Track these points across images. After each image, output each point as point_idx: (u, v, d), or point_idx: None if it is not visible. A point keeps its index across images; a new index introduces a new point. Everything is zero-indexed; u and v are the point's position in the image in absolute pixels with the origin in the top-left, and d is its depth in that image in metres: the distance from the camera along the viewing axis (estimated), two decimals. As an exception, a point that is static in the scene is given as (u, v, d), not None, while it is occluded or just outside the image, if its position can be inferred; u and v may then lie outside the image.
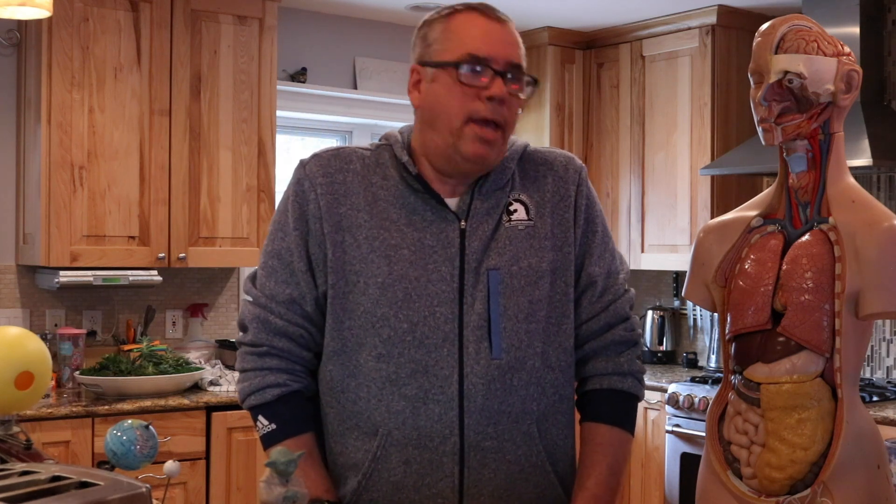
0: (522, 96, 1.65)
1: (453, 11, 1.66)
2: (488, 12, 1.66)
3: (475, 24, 1.64)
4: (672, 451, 4.20)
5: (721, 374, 1.91)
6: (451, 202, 1.67)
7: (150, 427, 1.67)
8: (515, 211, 1.68)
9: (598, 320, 1.73)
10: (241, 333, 1.75)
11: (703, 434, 1.73)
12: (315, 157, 1.72)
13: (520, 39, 1.68)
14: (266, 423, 1.68)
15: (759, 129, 1.63)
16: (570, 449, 1.75)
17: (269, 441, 1.68)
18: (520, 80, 1.65)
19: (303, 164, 1.72)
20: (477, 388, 1.61)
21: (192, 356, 4.13)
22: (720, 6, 4.51)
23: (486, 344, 1.61)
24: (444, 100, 1.62)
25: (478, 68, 1.60)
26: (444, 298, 1.61)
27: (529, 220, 1.68)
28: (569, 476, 1.73)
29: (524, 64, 1.67)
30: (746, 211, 1.73)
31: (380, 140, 1.76)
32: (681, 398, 4.16)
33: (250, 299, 1.73)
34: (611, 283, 1.74)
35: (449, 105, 1.61)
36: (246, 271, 4.55)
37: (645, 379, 1.81)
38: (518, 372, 1.63)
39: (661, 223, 4.78)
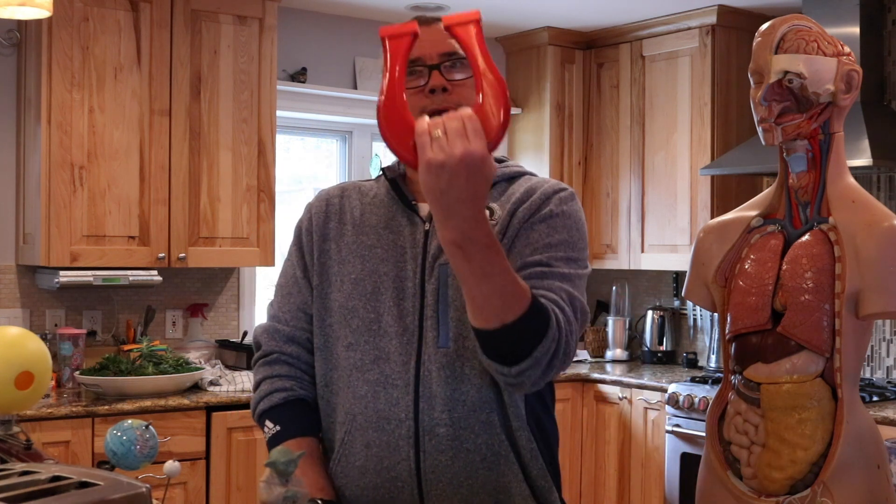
0: (468, 75, 1.67)
1: None
2: (420, 20, 1.69)
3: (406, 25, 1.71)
4: (672, 451, 4.20)
5: (721, 374, 1.91)
6: (424, 207, 1.75)
7: (150, 427, 1.67)
8: None
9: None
10: (255, 353, 1.86)
11: (703, 434, 1.73)
12: (320, 191, 1.90)
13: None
14: (272, 426, 1.76)
15: (759, 129, 1.63)
16: (526, 442, 1.70)
17: (274, 443, 1.74)
18: (462, 65, 1.69)
19: (310, 203, 1.88)
20: (431, 374, 1.67)
21: (192, 356, 4.13)
22: (720, 6, 4.51)
23: (436, 333, 1.68)
24: None
25: (413, 72, 1.69)
26: (408, 293, 1.70)
27: (493, 221, 1.70)
28: (533, 469, 1.70)
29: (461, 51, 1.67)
30: (746, 211, 1.73)
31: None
32: (681, 398, 4.16)
33: (264, 320, 1.87)
34: (551, 272, 1.64)
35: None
36: (246, 271, 4.55)
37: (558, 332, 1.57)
38: (469, 361, 1.66)
39: (661, 223, 4.78)
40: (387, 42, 1.53)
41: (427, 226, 1.73)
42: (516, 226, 1.69)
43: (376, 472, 1.68)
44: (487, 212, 1.68)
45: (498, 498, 1.68)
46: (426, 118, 1.45)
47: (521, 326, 1.50)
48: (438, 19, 1.71)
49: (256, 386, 1.82)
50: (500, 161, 1.83)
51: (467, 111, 1.44)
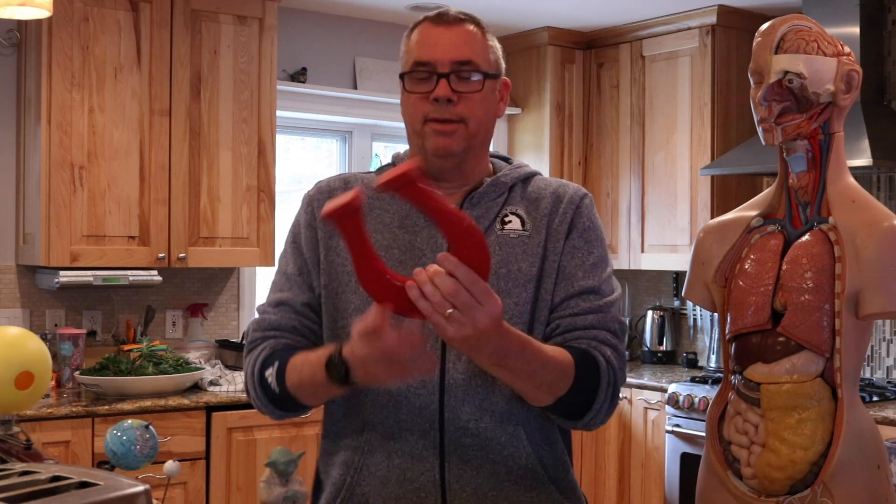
0: (476, 89, 1.67)
1: (415, 25, 1.75)
2: (439, 19, 1.71)
3: (423, 33, 1.72)
4: (672, 451, 4.21)
5: (721, 374, 1.91)
6: None
7: (150, 427, 1.67)
8: (510, 222, 1.71)
9: (584, 319, 1.67)
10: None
11: (703, 434, 1.73)
12: (319, 181, 1.83)
13: (474, 37, 1.71)
14: (270, 375, 1.65)
15: (759, 129, 1.63)
16: (560, 454, 1.73)
17: (281, 383, 1.64)
18: (473, 75, 1.68)
19: (308, 191, 1.82)
20: (458, 383, 1.63)
21: (192, 356, 4.13)
22: (720, 6, 4.51)
23: None
24: (407, 108, 1.72)
25: (422, 74, 1.67)
26: None
27: (525, 230, 1.70)
28: (564, 482, 1.72)
29: (477, 59, 1.69)
30: (746, 211, 1.73)
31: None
32: (681, 398, 4.16)
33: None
34: (605, 302, 1.69)
35: (410, 111, 1.71)
36: (246, 271, 4.55)
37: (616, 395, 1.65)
38: None
39: (661, 223, 4.78)
40: (336, 226, 1.40)
41: None
42: (558, 241, 1.70)
43: (398, 483, 1.64)
44: (518, 220, 1.70)
45: None
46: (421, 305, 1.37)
47: (575, 391, 1.59)
48: (462, 19, 1.70)
49: (244, 372, 1.75)
50: (506, 160, 1.81)
51: (465, 277, 1.36)
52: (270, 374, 1.65)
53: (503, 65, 1.76)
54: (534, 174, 1.79)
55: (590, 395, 1.60)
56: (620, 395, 1.75)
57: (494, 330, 1.42)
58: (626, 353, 1.72)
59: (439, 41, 1.67)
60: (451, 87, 1.65)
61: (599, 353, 1.62)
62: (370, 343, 1.42)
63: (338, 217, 1.37)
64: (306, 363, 1.59)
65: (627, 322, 1.77)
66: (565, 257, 1.70)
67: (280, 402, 1.67)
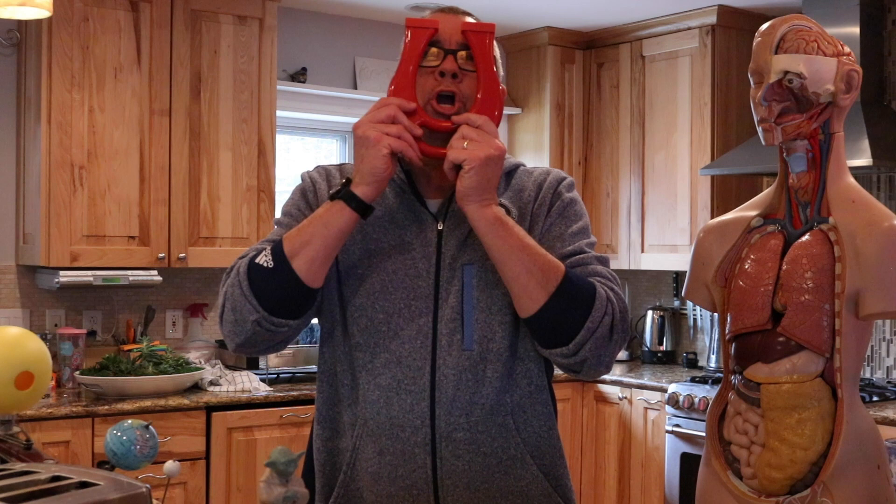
0: (472, 69, 1.70)
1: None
2: (445, 10, 1.76)
3: (430, 18, 1.76)
4: (672, 451, 4.21)
5: (721, 374, 1.91)
6: (433, 204, 1.74)
7: (150, 427, 1.67)
8: None
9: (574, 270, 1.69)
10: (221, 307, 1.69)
11: (703, 434, 1.73)
12: (317, 166, 1.85)
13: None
14: (266, 255, 1.62)
15: (759, 129, 1.63)
16: (555, 441, 1.75)
17: (276, 254, 1.60)
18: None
19: (307, 171, 1.85)
20: (448, 378, 1.64)
21: (192, 356, 4.13)
22: (720, 6, 4.51)
23: (459, 336, 1.66)
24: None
25: (432, 50, 1.69)
26: (420, 293, 1.67)
27: (511, 219, 1.71)
28: (555, 469, 1.73)
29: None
30: (746, 211, 1.73)
31: None
32: (681, 398, 4.16)
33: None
34: (592, 256, 1.72)
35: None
36: (246, 271, 4.54)
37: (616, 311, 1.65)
38: (492, 363, 1.66)
39: (661, 223, 4.78)
40: (409, 32, 1.67)
41: (440, 225, 1.70)
42: (538, 222, 1.73)
43: (390, 480, 1.65)
44: (503, 210, 1.71)
45: (515, 502, 1.68)
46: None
47: (565, 293, 1.59)
48: (468, 14, 1.76)
49: (226, 282, 1.65)
50: None
51: (479, 119, 1.62)
52: (265, 254, 1.61)
53: (502, 73, 1.79)
54: (518, 165, 1.82)
55: (582, 307, 1.60)
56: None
57: (501, 161, 1.61)
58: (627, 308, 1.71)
59: (447, 23, 1.70)
60: (456, 63, 1.67)
61: (595, 279, 1.66)
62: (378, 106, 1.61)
63: (413, 26, 1.67)
64: (307, 219, 1.62)
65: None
66: (546, 235, 1.72)
67: (270, 290, 1.59)
